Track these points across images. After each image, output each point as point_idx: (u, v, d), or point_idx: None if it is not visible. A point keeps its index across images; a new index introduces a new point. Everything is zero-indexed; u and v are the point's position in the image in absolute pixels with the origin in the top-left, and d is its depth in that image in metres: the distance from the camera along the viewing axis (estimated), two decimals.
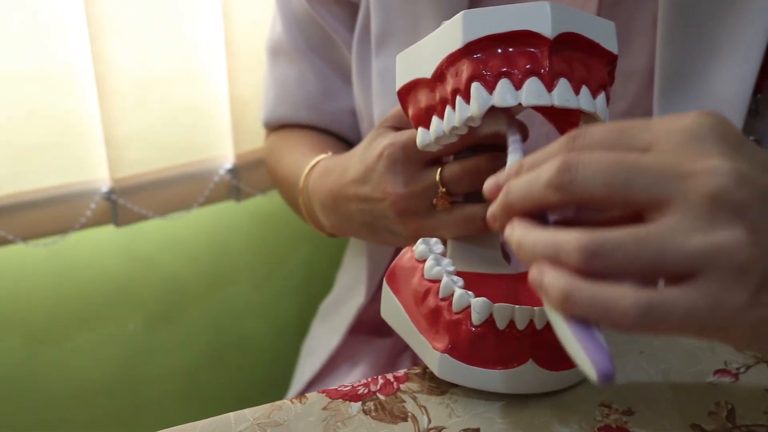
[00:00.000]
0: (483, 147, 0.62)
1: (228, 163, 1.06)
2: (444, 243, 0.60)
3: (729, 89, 0.69)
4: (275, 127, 0.92)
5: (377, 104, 0.78)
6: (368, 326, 0.91)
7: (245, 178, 1.07)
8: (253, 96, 1.03)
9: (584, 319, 0.41)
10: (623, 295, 0.39)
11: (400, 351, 0.89)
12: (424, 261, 0.57)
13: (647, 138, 0.43)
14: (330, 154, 0.79)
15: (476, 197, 0.64)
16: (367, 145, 0.68)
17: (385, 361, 0.88)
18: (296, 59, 0.88)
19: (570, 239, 0.41)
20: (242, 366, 1.21)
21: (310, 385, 0.92)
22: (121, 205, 0.99)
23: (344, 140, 0.90)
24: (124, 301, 1.10)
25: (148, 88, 0.97)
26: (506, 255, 0.66)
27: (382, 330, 0.91)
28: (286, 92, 0.89)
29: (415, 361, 0.87)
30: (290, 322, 1.23)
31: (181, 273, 1.13)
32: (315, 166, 0.77)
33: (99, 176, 0.99)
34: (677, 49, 0.69)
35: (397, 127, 0.66)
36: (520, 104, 0.53)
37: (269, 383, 1.23)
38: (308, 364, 0.94)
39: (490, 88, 0.53)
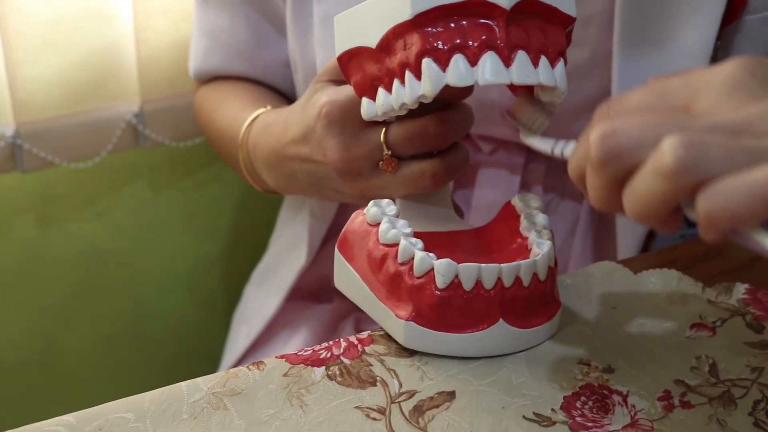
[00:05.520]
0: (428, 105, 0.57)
1: (135, 107, 0.99)
2: (393, 202, 0.55)
3: (692, 35, 0.66)
4: (206, 79, 0.86)
5: (320, 51, 0.73)
6: (307, 291, 0.86)
7: (152, 125, 1.00)
8: (162, 40, 0.97)
9: None
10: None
11: (342, 316, 0.84)
12: (377, 225, 0.53)
13: (687, 93, 0.40)
14: (269, 108, 0.74)
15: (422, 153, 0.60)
16: (305, 101, 0.63)
17: (327, 327, 0.83)
18: (228, 6, 0.82)
19: None
20: (165, 339, 1.16)
21: (247, 354, 0.87)
22: (26, 150, 0.93)
23: (279, 92, 0.85)
24: (39, 274, 1.03)
25: (53, 29, 0.90)
26: (458, 210, 0.62)
27: (322, 295, 0.87)
28: (217, 42, 0.84)
29: (358, 326, 0.83)
30: (215, 291, 1.18)
31: (98, 241, 1.07)
32: (254, 121, 0.73)
33: (3, 120, 0.92)
34: None
35: (337, 81, 0.61)
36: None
37: (194, 356, 1.18)
38: (243, 333, 0.88)
39: (443, 64, 0.50)
